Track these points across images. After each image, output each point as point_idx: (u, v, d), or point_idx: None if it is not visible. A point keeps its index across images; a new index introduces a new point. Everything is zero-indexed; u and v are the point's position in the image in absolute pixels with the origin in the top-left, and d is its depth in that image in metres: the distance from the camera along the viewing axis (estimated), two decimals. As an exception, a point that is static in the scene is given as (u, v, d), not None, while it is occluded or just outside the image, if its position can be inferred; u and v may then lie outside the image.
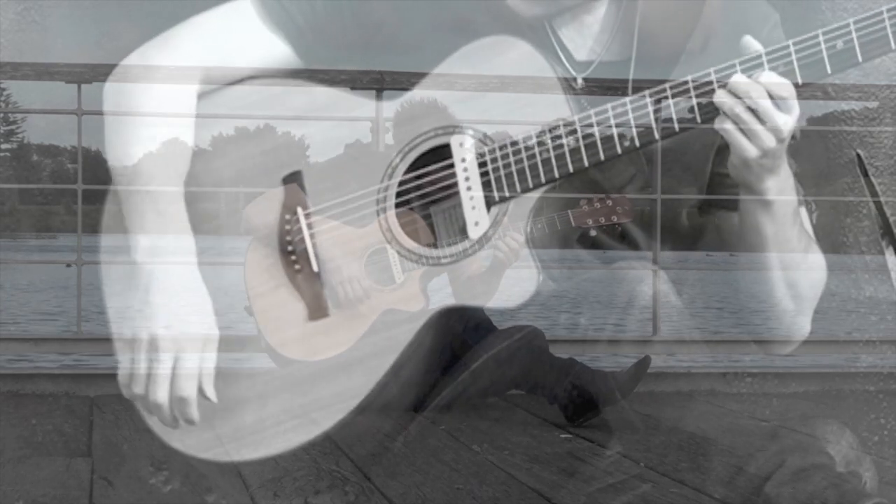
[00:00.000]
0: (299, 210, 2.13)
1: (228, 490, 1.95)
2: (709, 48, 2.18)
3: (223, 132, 2.24)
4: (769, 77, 1.93)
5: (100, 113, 2.86)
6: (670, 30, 2.21)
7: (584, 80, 2.23)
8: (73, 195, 2.88)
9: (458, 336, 2.59)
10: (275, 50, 2.21)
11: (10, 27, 2.53)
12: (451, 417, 2.53)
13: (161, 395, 1.97)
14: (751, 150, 1.96)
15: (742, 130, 1.96)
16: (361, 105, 2.22)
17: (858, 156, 2.26)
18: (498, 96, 2.13)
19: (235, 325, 2.25)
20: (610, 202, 2.33)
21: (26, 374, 2.95)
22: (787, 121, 1.95)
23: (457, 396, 2.56)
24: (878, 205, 2.20)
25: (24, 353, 3.12)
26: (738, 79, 1.95)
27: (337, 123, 2.24)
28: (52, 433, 2.40)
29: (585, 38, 2.24)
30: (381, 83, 2.29)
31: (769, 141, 1.95)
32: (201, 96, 2.18)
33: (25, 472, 2.06)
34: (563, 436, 2.47)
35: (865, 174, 2.23)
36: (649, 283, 2.88)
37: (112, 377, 2.80)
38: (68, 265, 3.06)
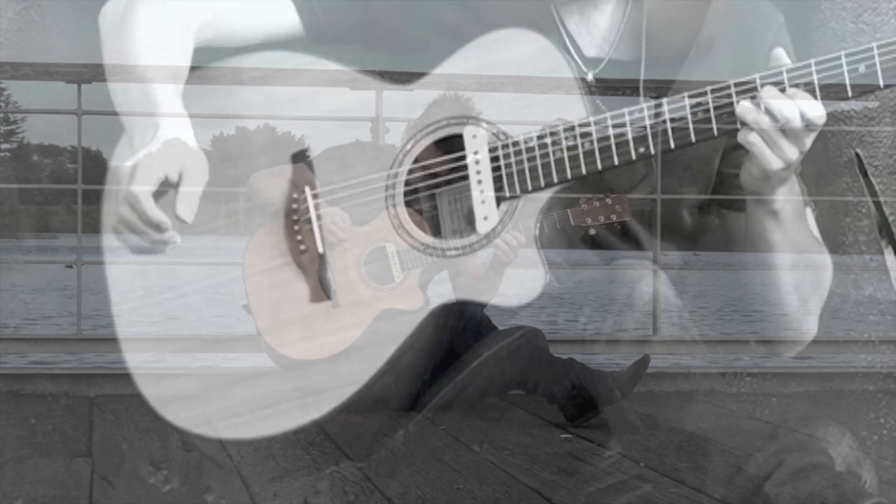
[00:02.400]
0: (307, 189, 2.13)
1: (228, 490, 1.95)
2: (713, 49, 2.18)
3: (223, 132, 2.24)
4: (803, 98, 1.93)
5: (100, 113, 2.87)
6: (676, 30, 2.21)
7: (596, 78, 2.23)
8: (73, 195, 2.88)
9: (457, 335, 2.58)
10: (285, 18, 2.19)
11: (10, 27, 2.53)
12: (451, 417, 2.53)
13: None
14: (775, 163, 1.97)
15: (767, 143, 1.96)
16: (361, 104, 2.21)
17: (858, 155, 2.26)
18: (506, 92, 2.13)
19: (234, 326, 2.26)
20: (609, 201, 2.33)
21: (26, 374, 2.95)
22: (812, 137, 1.97)
23: (456, 396, 2.56)
24: (878, 204, 2.20)
25: (24, 353, 3.12)
26: (772, 94, 1.94)
27: (337, 123, 2.24)
28: (52, 433, 2.40)
29: (594, 35, 2.23)
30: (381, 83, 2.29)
31: (793, 154, 1.96)
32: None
33: (25, 472, 2.06)
34: (563, 436, 2.47)
35: (865, 174, 2.23)
36: (649, 282, 2.88)
37: (112, 377, 2.82)
38: (68, 266, 3.06)
